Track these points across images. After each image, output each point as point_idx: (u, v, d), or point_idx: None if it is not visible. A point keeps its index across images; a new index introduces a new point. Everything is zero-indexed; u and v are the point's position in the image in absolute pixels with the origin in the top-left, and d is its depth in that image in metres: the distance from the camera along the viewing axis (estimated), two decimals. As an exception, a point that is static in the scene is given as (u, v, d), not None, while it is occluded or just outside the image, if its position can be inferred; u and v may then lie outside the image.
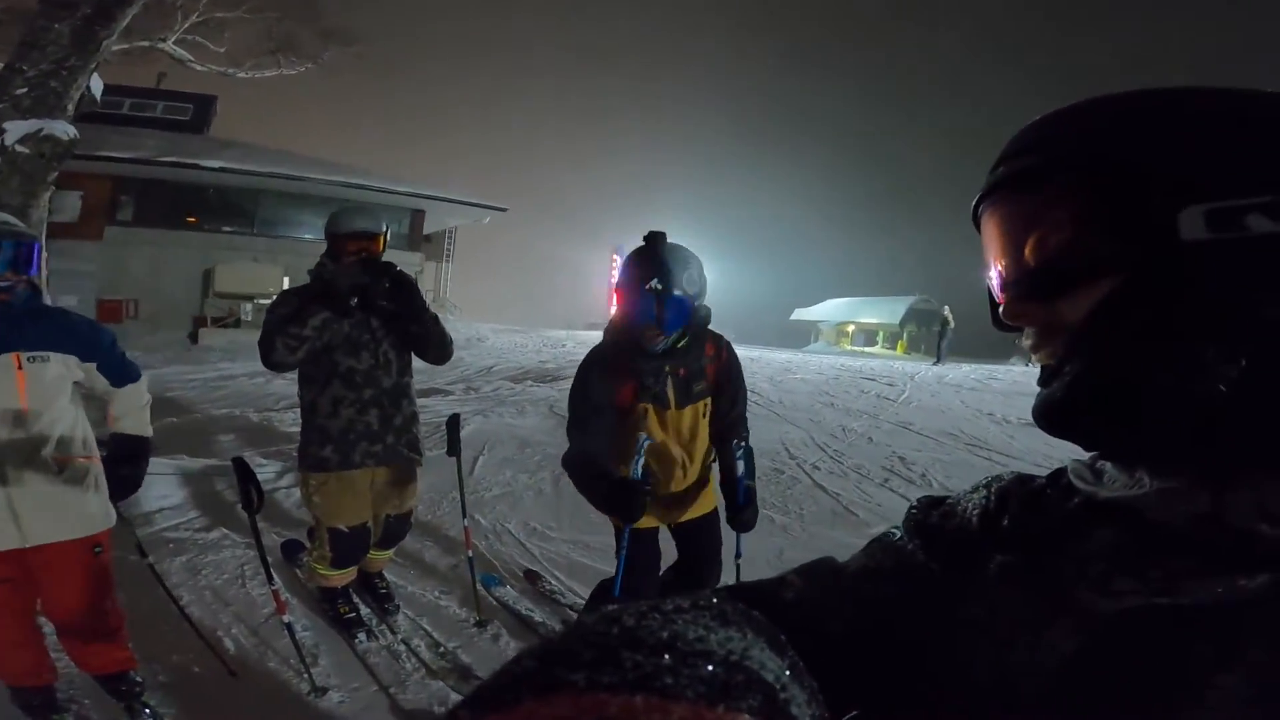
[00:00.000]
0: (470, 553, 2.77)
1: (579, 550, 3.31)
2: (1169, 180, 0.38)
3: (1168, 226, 0.37)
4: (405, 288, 2.44)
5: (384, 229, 2.53)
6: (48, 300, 1.84)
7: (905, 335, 24.05)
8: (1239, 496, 0.35)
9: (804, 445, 5.55)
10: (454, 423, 2.80)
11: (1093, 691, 0.36)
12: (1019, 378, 10.71)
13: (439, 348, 2.54)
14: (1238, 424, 0.36)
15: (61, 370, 1.71)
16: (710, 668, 0.24)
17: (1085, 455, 0.46)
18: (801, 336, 24.63)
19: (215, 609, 2.53)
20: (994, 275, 0.47)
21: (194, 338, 12.65)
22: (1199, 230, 0.36)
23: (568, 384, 8.40)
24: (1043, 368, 0.45)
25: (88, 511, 1.78)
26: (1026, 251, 0.44)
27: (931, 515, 0.52)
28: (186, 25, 11.24)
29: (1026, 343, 0.46)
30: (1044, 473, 0.49)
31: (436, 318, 2.54)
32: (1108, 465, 0.43)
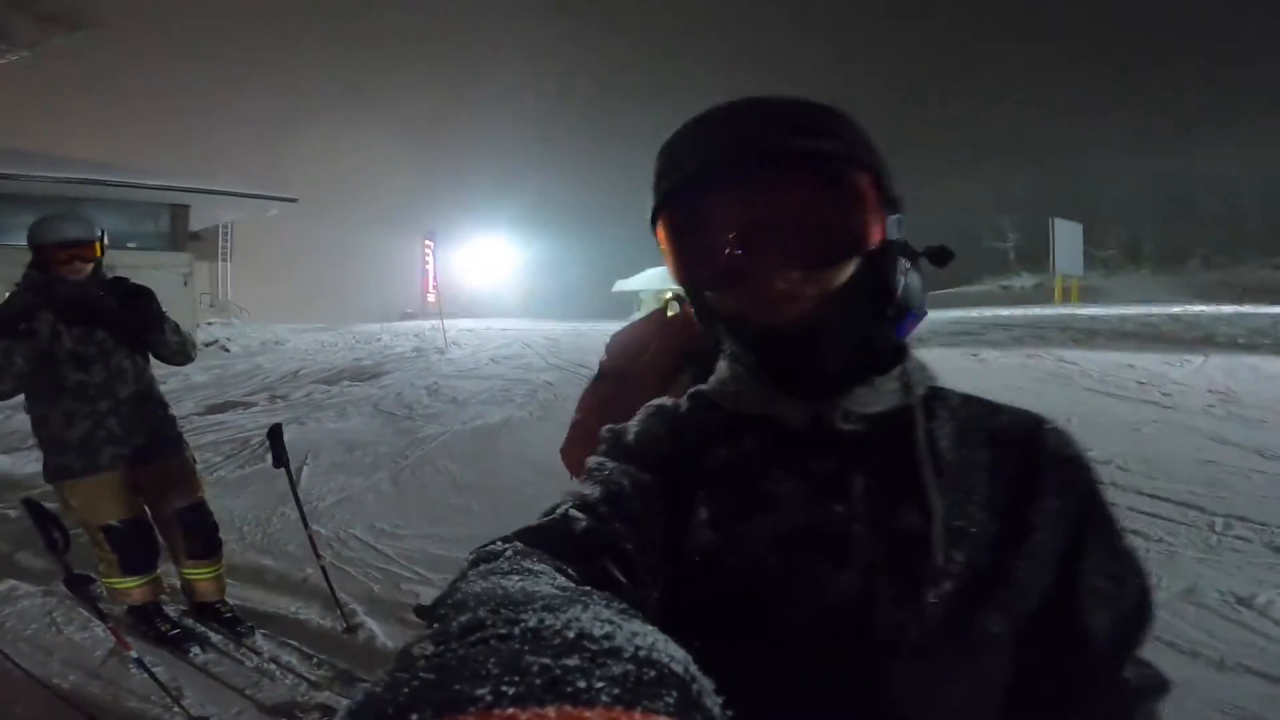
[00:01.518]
0: (322, 561, 2.70)
1: (434, 543, 3.33)
2: (890, 189, 0.53)
3: (887, 226, 0.52)
4: (141, 298, 2.42)
5: (100, 234, 2.40)
6: None
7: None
8: (830, 403, 0.53)
9: (634, 414, 5.91)
10: (276, 432, 2.67)
11: (796, 552, 0.51)
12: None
13: (179, 353, 2.54)
14: (853, 363, 0.54)
15: None
16: (621, 665, 0.23)
17: (714, 379, 0.60)
18: (625, 307, 25.41)
19: (40, 659, 2.24)
20: (768, 233, 0.50)
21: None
22: (895, 232, 0.53)
23: (389, 380, 8.10)
24: (790, 322, 0.51)
25: None
26: (822, 223, 0.50)
27: (623, 443, 0.59)
28: None
29: (782, 297, 0.51)
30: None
31: (176, 326, 2.52)
32: (744, 385, 0.57)
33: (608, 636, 0.25)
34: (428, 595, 2.85)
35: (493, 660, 0.23)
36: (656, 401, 0.63)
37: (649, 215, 0.56)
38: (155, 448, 2.45)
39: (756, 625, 0.51)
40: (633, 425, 0.60)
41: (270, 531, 3.47)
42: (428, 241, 18.19)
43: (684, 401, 0.61)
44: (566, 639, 0.25)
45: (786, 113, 0.52)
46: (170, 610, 2.57)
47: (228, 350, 11.53)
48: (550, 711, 0.20)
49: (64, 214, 2.43)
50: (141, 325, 2.40)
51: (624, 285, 29.80)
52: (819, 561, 0.51)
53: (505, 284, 19.22)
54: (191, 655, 2.32)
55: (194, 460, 2.63)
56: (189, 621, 2.54)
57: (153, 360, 2.54)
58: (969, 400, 0.58)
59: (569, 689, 0.21)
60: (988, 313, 13.95)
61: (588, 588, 0.36)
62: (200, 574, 2.56)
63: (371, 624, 2.58)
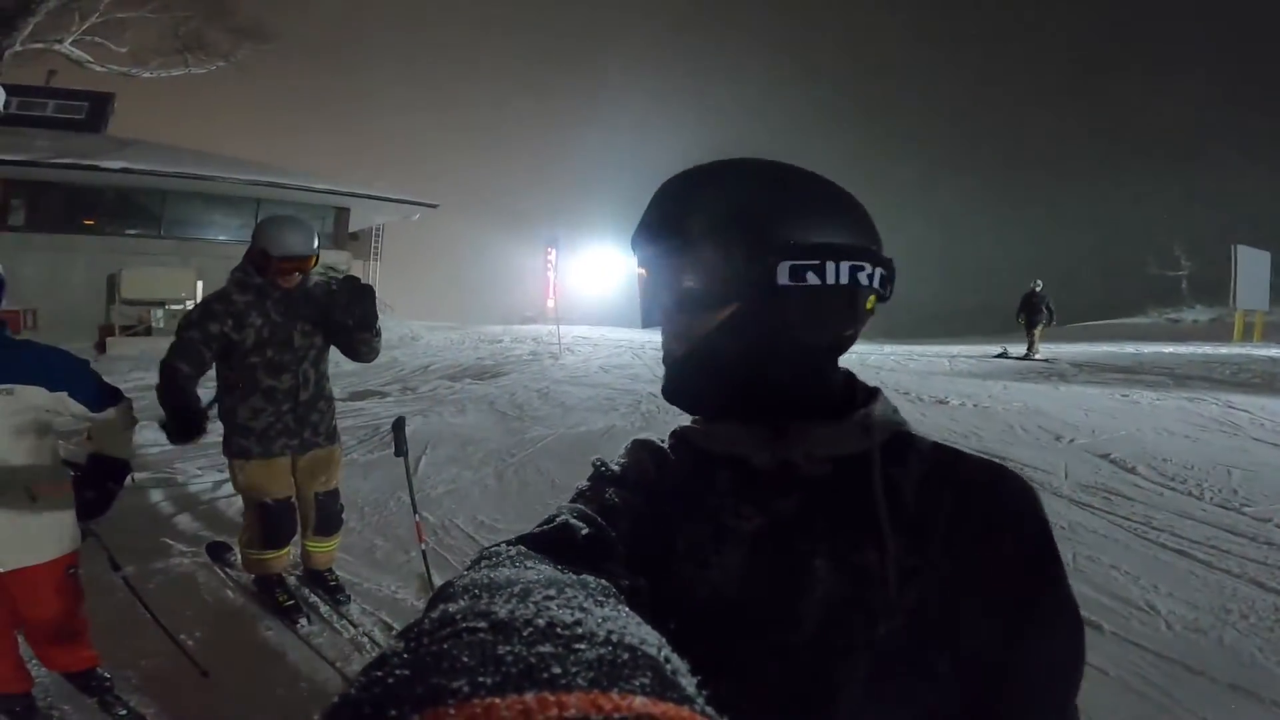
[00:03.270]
0: (424, 546, 2.90)
1: (526, 540, 3.47)
2: (774, 240, 0.55)
3: (770, 273, 0.55)
4: (367, 297, 2.49)
5: (317, 246, 2.57)
6: None
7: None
8: (792, 444, 0.56)
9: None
10: (399, 425, 2.92)
11: (759, 589, 0.53)
12: (933, 359, 11.44)
13: (375, 352, 2.69)
14: (791, 400, 0.57)
15: (28, 402, 1.74)
16: (594, 650, 0.23)
17: (691, 420, 0.64)
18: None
19: (173, 615, 2.56)
20: (656, 290, 0.60)
21: (101, 347, 11.90)
22: (785, 278, 0.55)
23: (506, 381, 8.49)
24: (668, 354, 0.61)
25: (59, 536, 1.84)
26: (681, 281, 0.58)
27: (613, 471, 0.63)
28: (85, 26, 10.46)
29: (670, 341, 0.61)
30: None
31: (380, 328, 2.65)
32: (715, 426, 0.61)
33: (578, 622, 0.26)
34: (513, 591, 2.98)
35: (466, 653, 0.23)
36: (643, 437, 0.66)
37: None
38: (317, 440, 2.70)
39: (721, 654, 0.51)
40: (620, 457, 0.64)
41: (386, 514, 3.76)
42: (550, 249, 19.00)
43: (667, 438, 0.65)
44: (538, 627, 0.25)
45: (673, 192, 0.60)
46: (291, 580, 2.85)
47: (370, 343, 12.61)
48: (529, 698, 0.20)
49: (290, 223, 2.54)
50: (361, 323, 2.50)
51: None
52: (782, 594, 0.53)
53: (621, 292, 19.85)
54: (299, 626, 2.57)
55: (341, 452, 2.89)
56: (304, 591, 2.82)
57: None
58: (938, 447, 0.60)
59: (545, 675, 0.21)
60: (1146, 348, 12.49)
61: (570, 575, 0.37)
62: (319, 547, 2.84)
63: (460, 611, 2.73)
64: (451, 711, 0.20)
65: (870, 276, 0.57)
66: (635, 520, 0.57)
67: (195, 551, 3.12)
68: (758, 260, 0.56)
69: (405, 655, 0.24)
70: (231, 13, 13.82)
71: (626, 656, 0.23)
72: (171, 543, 3.23)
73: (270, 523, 2.64)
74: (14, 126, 12.45)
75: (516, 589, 0.31)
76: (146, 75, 12.40)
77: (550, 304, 18.24)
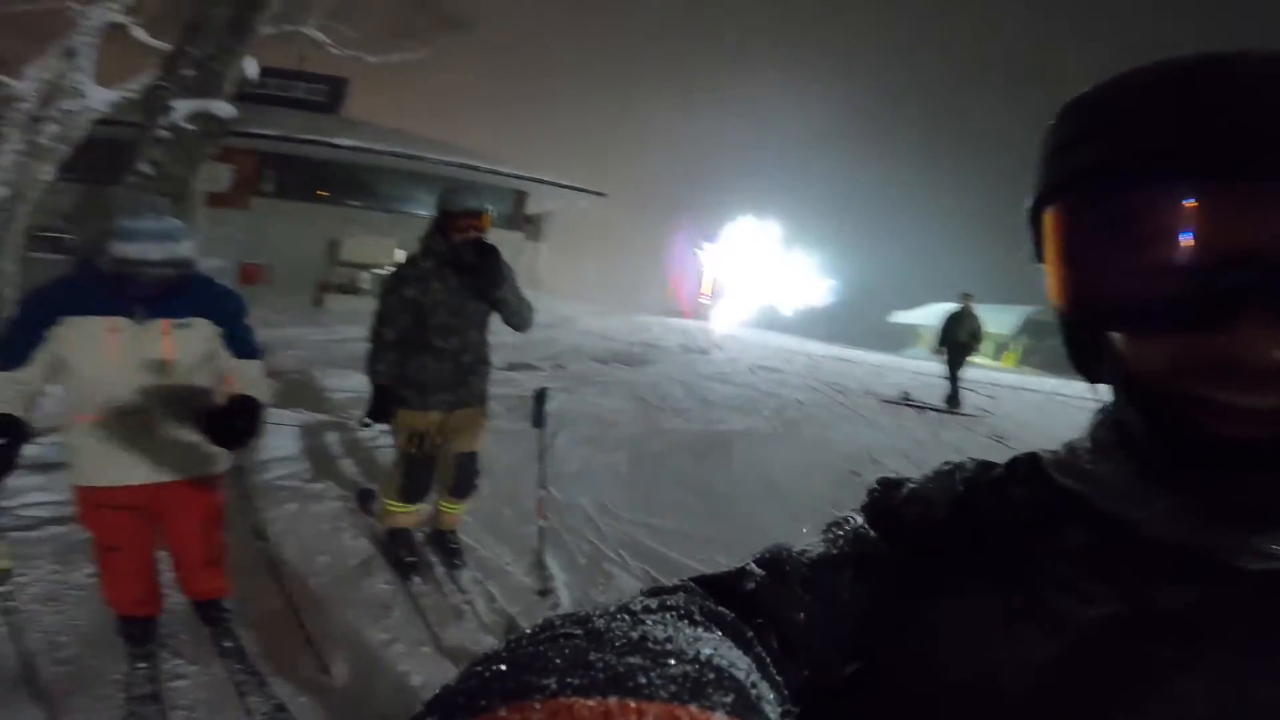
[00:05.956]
0: (543, 522, 2.92)
1: (645, 532, 3.40)
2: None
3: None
4: (493, 253, 2.64)
5: (488, 208, 2.72)
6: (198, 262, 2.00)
7: (1017, 347, 22.60)
8: (1250, 534, 0.35)
9: (888, 451, 5.40)
10: (541, 396, 2.96)
11: (1068, 693, 0.36)
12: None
13: (518, 314, 2.74)
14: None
15: (202, 333, 1.91)
16: (681, 666, 0.24)
17: (1067, 446, 0.45)
18: (899, 340, 23.49)
19: (309, 557, 2.78)
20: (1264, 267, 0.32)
21: (318, 301, 13.63)
22: None
23: (651, 370, 8.46)
24: (1267, 416, 0.33)
25: (212, 453, 1.98)
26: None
27: (892, 500, 0.50)
28: (322, 10, 11.94)
29: (1266, 372, 0.32)
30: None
31: (518, 289, 2.74)
32: (1101, 468, 0.41)
33: (670, 639, 0.26)
34: (621, 580, 2.93)
35: (559, 656, 0.24)
36: (961, 460, 0.50)
37: (1030, 201, 0.41)
38: (469, 400, 2.82)
39: None
40: (917, 480, 0.50)
41: (519, 484, 3.86)
42: (705, 244, 18.95)
43: (1001, 469, 0.48)
44: (630, 640, 0.26)
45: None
46: (419, 536, 3.00)
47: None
48: (611, 702, 0.21)
49: (466, 186, 2.81)
50: (491, 280, 2.64)
51: (901, 316, 27.50)
52: (1099, 714, 0.35)
53: (777, 296, 19.42)
54: (412, 584, 2.70)
55: (487, 417, 3.00)
56: (425, 550, 2.95)
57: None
58: None
59: (630, 684, 0.22)
60: None
61: (680, 599, 0.36)
62: (451, 508, 2.97)
63: (563, 593, 2.73)
64: (537, 706, 0.21)
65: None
66: (873, 578, 0.45)
67: (347, 496, 3.39)
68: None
69: (504, 654, 0.26)
70: (437, 2, 15.08)
71: (712, 676, 0.24)
72: (333, 484, 3.53)
73: (410, 476, 2.79)
74: (271, 106, 14.43)
75: (620, 606, 0.31)
76: (371, 60, 13.92)
77: (704, 300, 18.17)
